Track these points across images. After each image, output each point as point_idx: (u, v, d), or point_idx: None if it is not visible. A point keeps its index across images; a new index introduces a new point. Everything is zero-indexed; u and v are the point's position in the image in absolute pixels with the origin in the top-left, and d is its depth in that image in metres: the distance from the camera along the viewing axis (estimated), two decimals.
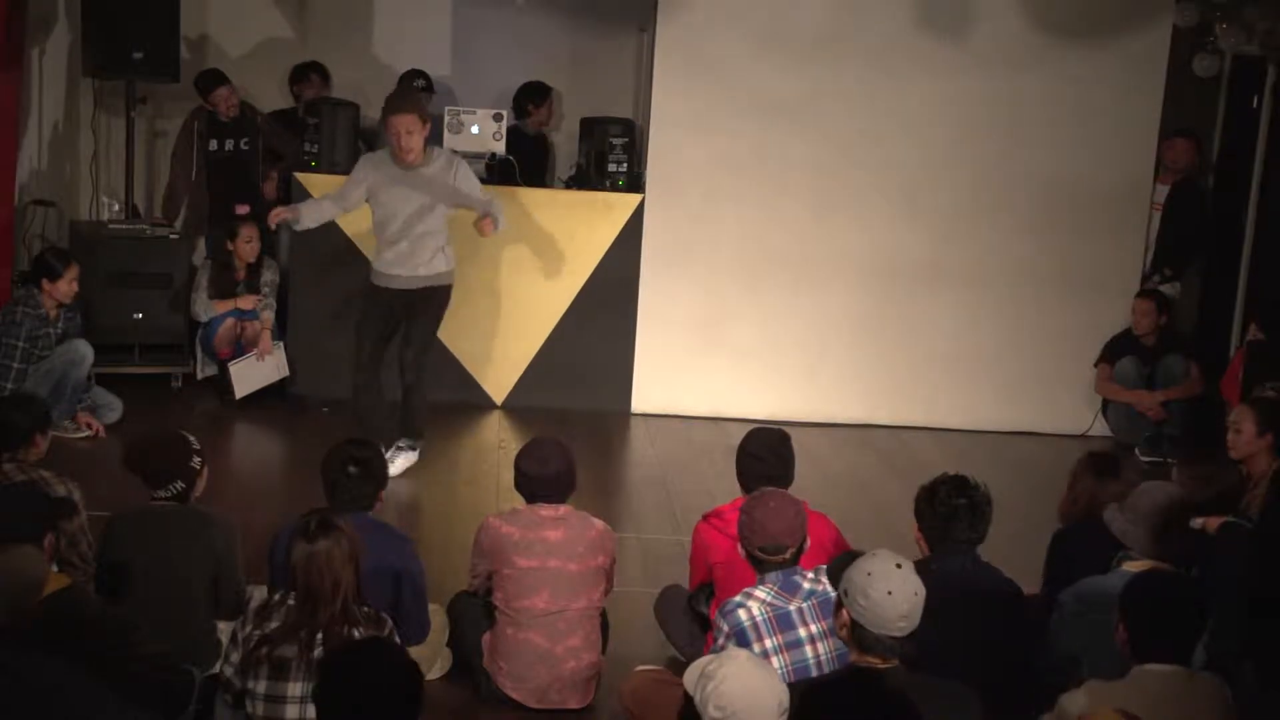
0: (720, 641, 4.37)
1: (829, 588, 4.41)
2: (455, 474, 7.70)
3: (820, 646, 4.36)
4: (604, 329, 8.92)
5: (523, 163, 9.06)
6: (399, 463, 7.30)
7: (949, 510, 4.54)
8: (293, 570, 4.05)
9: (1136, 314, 8.84)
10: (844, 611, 3.76)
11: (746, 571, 4.80)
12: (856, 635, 3.74)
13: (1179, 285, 9.28)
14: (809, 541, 4.60)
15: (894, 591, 3.67)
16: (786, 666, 4.30)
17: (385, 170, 7.22)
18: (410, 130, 7.06)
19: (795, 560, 4.49)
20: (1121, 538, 4.66)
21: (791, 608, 4.38)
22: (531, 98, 9.55)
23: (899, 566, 3.73)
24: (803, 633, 4.36)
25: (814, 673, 4.28)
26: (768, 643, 4.33)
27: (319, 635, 4.00)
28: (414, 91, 8.05)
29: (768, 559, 4.47)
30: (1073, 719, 3.73)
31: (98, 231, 8.91)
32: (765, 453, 5.23)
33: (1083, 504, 5.14)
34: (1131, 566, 4.49)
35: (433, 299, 7.37)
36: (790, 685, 3.88)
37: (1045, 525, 7.39)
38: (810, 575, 4.47)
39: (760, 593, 4.41)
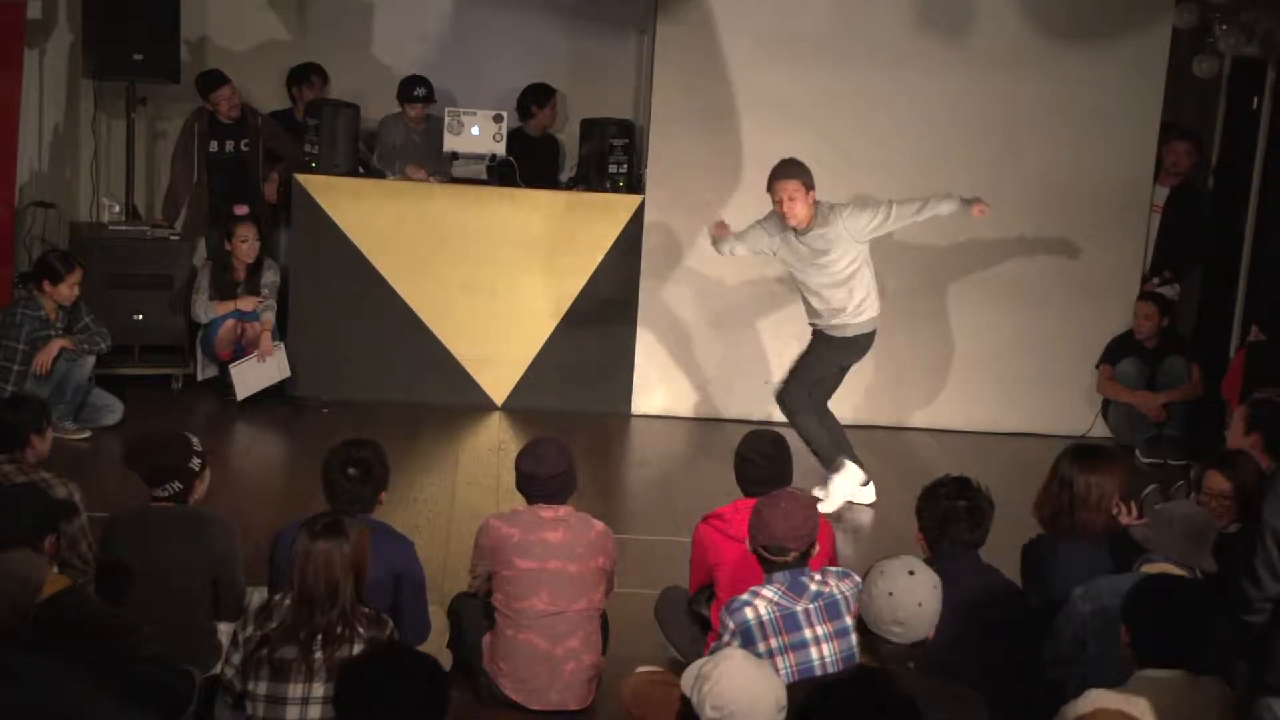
0: (725, 639, 4.38)
1: (836, 590, 4.43)
2: (455, 474, 7.70)
3: (825, 648, 4.37)
4: (604, 330, 8.93)
5: (530, 164, 9.06)
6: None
7: (948, 512, 4.55)
8: (292, 566, 4.05)
9: (1138, 317, 8.84)
10: (856, 606, 3.78)
11: (746, 573, 4.80)
12: (861, 632, 3.76)
13: (1179, 287, 9.27)
14: (818, 547, 4.61)
15: (894, 594, 3.68)
16: (791, 667, 4.31)
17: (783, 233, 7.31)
18: (792, 197, 7.11)
19: (802, 562, 4.51)
20: (1144, 543, 4.65)
21: (798, 609, 4.39)
22: (535, 99, 9.54)
23: (911, 574, 3.72)
24: (808, 634, 4.37)
25: (818, 674, 4.28)
26: (773, 642, 4.34)
27: (318, 637, 3.99)
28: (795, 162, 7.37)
29: (771, 558, 4.49)
30: None
31: (98, 233, 8.92)
32: (756, 455, 5.29)
33: (1065, 501, 4.98)
34: (1151, 569, 4.47)
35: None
36: (795, 684, 3.90)
37: None
38: (818, 577, 4.48)
39: (768, 592, 4.43)
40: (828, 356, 7.50)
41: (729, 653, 3.61)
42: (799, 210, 7.11)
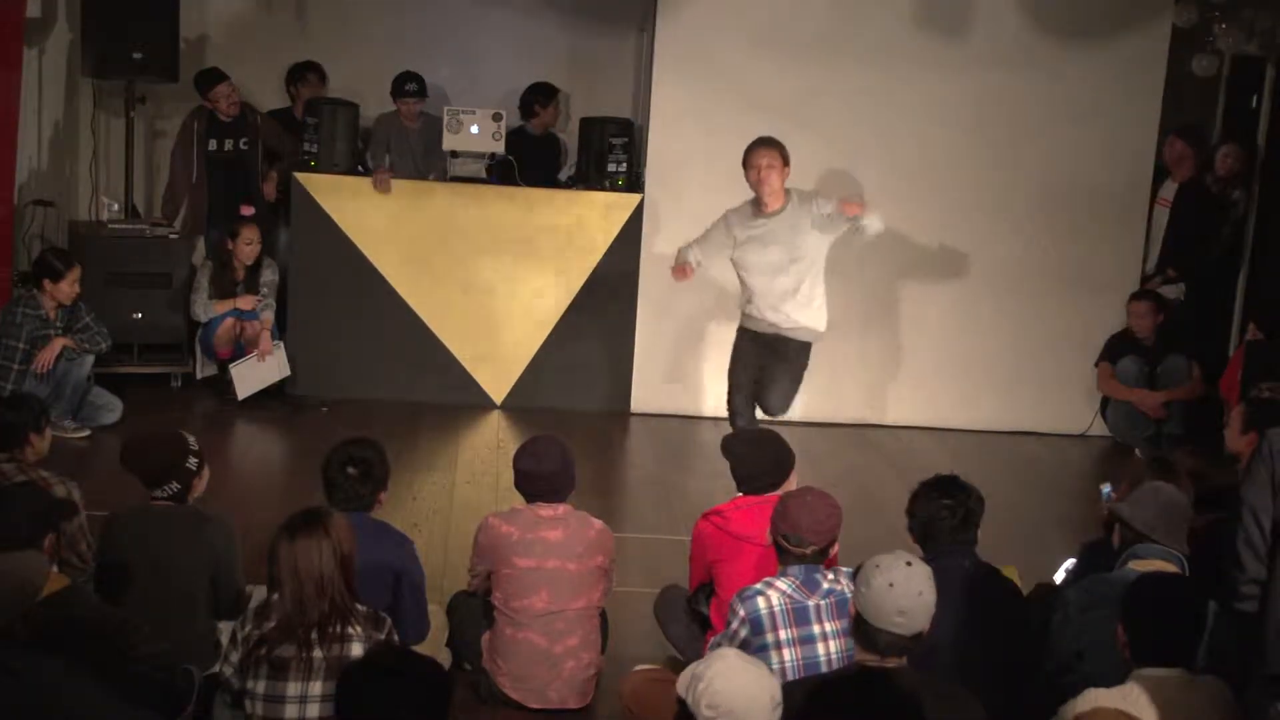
0: (734, 626, 4.40)
1: (846, 589, 4.44)
2: (454, 473, 7.70)
3: (832, 645, 4.38)
4: (604, 329, 8.93)
5: (530, 163, 9.06)
6: None
7: (933, 511, 4.56)
8: (277, 569, 4.05)
9: (1133, 316, 8.82)
10: (852, 604, 3.78)
11: (746, 570, 4.82)
12: (858, 628, 3.76)
13: (1183, 286, 9.23)
14: (836, 548, 4.63)
15: (895, 585, 3.69)
16: (797, 661, 4.33)
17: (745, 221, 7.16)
18: (770, 165, 7.01)
19: (819, 559, 4.53)
20: (1128, 520, 4.66)
21: (810, 603, 4.41)
22: (538, 98, 9.55)
23: (909, 565, 3.74)
24: (817, 629, 4.39)
25: (823, 670, 4.30)
26: (782, 634, 4.36)
27: (314, 634, 3.99)
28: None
29: (790, 549, 4.51)
30: None
31: (97, 232, 8.92)
32: (730, 456, 5.33)
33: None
34: (1138, 566, 4.48)
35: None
36: (796, 681, 3.91)
37: (1045, 525, 7.44)
38: (830, 575, 4.50)
39: (781, 584, 4.45)
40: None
41: (722, 653, 3.62)
42: (775, 180, 7.02)
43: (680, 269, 7.27)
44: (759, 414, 7.42)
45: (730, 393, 7.42)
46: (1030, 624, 4.60)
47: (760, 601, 4.39)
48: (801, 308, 7.16)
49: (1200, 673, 3.94)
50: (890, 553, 3.82)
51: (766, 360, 7.27)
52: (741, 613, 4.39)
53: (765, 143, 7.11)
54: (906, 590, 3.70)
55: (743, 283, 7.29)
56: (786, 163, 7.08)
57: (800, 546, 4.50)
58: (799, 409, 8.89)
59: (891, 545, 3.96)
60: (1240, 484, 4.27)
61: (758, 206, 7.14)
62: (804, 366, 7.31)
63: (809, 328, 7.22)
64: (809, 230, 7.07)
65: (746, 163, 7.10)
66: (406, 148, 9.21)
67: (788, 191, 7.13)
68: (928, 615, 3.74)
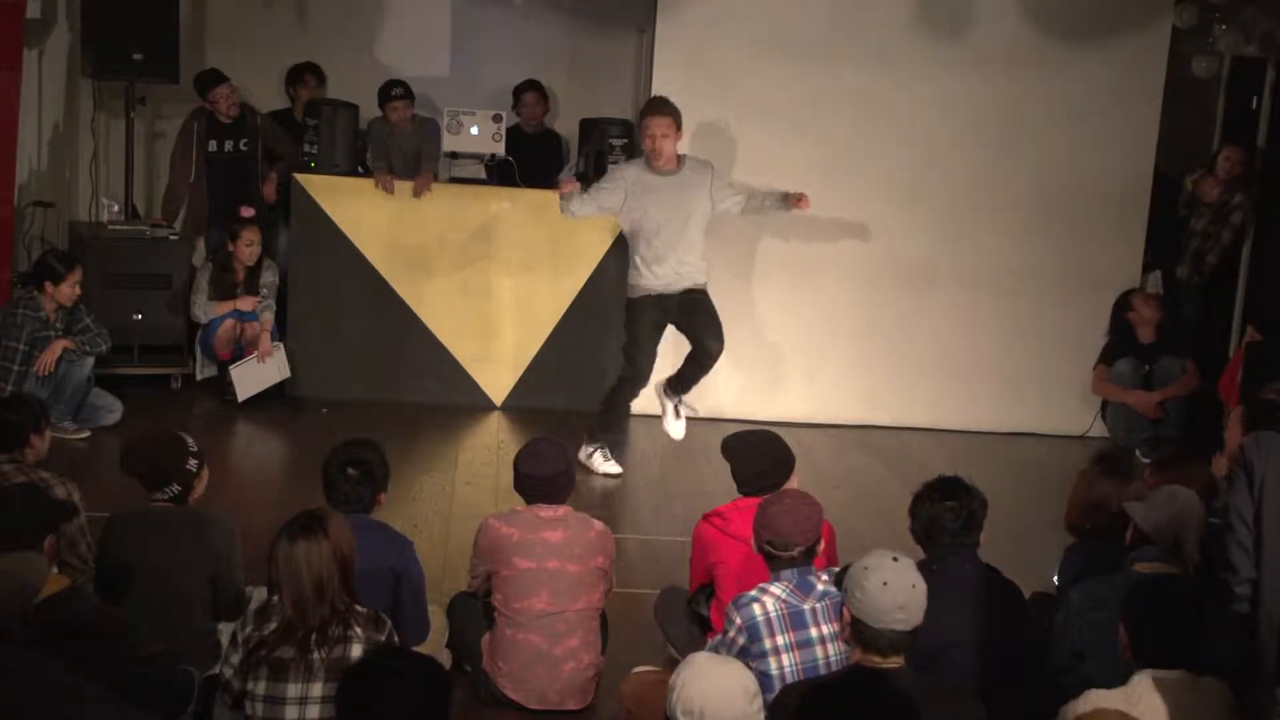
0: (731, 634, 4.39)
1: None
2: (454, 474, 7.70)
3: (830, 648, 4.38)
4: (603, 330, 8.92)
5: (532, 164, 9.05)
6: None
7: (935, 512, 4.56)
8: (276, 572, 4.04)
9: (1138, 305, 8.80)
10: (846, 610, 3.78)
11: (746, 571, 4.81)
12: (857, 631, 3.76)
13: (1158, 276, 9.25)
14: (823, 544, 4.63)
15: (889, 582, 3.69)
16: (796, 665, 4.33)
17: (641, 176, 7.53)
18: (665, 134, 7.37)
19: (806, 559, 4.53)
20: (1141, 522, 4.66)
21: (805, 607, 4.41)
22: (530, 93, 9.57)
23: (895, 560, 3.76)
24: (814, 633, 4.39)
25: (822, 673, 4.29)
26: (779, 640, 4.35)
27: (314, 636, 3.99)
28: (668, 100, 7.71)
29: (776, 554, 4.51)
30: None
31: (97, 233, 8.92)
32: (730, 458, 5.35)
33: (1104, 512, 5.05)
34: (1142, 568, 4.49)
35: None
36: (794, 684, 3.91)
37: (1045, 526, 7.42)
38: (825, 577, 4.50)
39: (775, 589, 4.44)
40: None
41: (691, 658, 3.66)
42: (668, 148, 7.40)
43: (565, 183, 7.64)
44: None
45: (634, 381, 7.74)
46: (1031, 625, 4.60)
47: (756, 608, 4.38)
48: (701, 260, 7.61)
49: (1202, 673, 3.94)
50: (872, 552, 3.82)
51: (681, 317, 7.70)
52: (738, 620, 4.39)
53: (660, 109, 7.50)
54: (901, 585, 3.71)
55: (644, 241, 7.56)
56: (680, 129, 7.48)
57: (786, 550, 4.50)
58: (800, 409, 8.93)
59: (893, 546, 3.96)
60: (1227, 490, 4.30)
61: (650, 164, 7.52)
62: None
63: (704, 280, 7.66)
64: (704, 198, 7.52)
65: (641, 128, 7.51)
66: (398, 151, 9.18)
67: (681, 157, 7.54)
68: (922, 606, 3.75)
